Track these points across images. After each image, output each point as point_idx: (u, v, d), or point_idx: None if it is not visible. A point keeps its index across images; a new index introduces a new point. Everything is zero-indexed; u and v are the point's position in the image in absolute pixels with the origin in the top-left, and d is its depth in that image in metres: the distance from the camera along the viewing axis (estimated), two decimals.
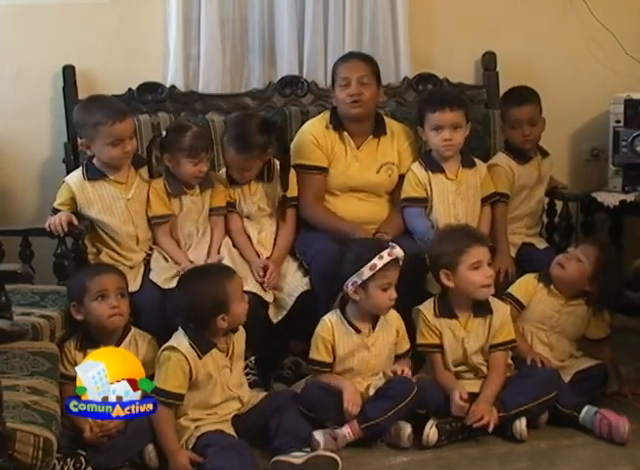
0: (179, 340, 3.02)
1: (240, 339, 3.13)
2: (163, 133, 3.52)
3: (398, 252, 3.18)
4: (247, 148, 3.50)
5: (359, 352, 3.22)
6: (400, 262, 3.20)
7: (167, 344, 3.04)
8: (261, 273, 3.46)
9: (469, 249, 3.23)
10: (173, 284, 3.25)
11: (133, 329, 3.16)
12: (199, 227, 3.52)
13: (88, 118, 3.40)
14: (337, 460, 2.94)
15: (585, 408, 3.20)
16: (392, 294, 3.18)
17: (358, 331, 3.22)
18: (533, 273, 3.48)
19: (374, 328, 3.24)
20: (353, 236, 3.45)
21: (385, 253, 3.16)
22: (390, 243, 3.24)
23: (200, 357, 2.99)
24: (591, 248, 3.41)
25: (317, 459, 2.93)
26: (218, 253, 3.49)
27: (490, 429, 3.09)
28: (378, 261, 3.15)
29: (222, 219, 3.57)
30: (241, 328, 3.13)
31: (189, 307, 3.05)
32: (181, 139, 3.45)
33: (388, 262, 3.16)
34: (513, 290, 3.45)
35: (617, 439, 3.10)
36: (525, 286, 3.45)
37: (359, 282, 3.16)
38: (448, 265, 3.25)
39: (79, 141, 3.48)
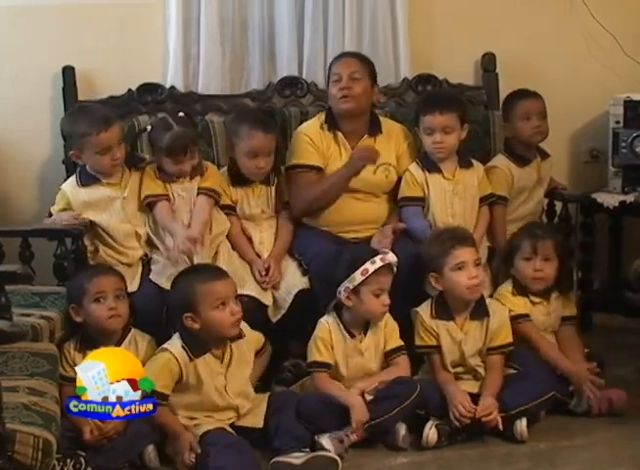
0: (173, 342, 3.04)
1: (243, 347, 3.10)
2: (148, 128, 3.54)
3: (391, 257, 3.18)
4: (270, 126, 3.60)
5: (353, 357, 3.22)
6: (394, 269, 3.20)
7: (162, 345, 3.05)
8: (264, 273, 3.46)
9: (452, 250, 3.24)
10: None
11: (133, 330, 3.15)
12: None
13: (74, 130, 3.42)
14: (337, 460, 2.93)
15: (576, 394, 3.27)
16: (385, 300, 3.17)
17: (353, 336, 3.22)
18: (505, 289, 3.45)
19: (365, 333, 3.23)
20: (358, 166, 3.57)
21: (377, 258, 3.16)
22: (384, 249, 3.23)
23: (191, 360, 2.99)
24: (548, 242, 3.42)
25: (317, 459, 2.92)
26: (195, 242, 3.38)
27: (501, 426, 3.09)
28: (370, 266, 3.15)
29: (207, 200, 3.49)
30: (250, 337, 3.12)
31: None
32: (161, 138, 3.46)
33: (381, 268, 3.15)
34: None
35: (619, 408, 3.24)
36: (514, 303, 3.42)
37: (351, 287, 3.16)
38: (435, 268, 3.27)
39: (70, 152, 3.47)
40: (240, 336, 3.10)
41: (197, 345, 3.02)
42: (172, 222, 3.42)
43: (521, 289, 3.44)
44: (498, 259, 3.58)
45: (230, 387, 3.05)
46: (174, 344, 3.02)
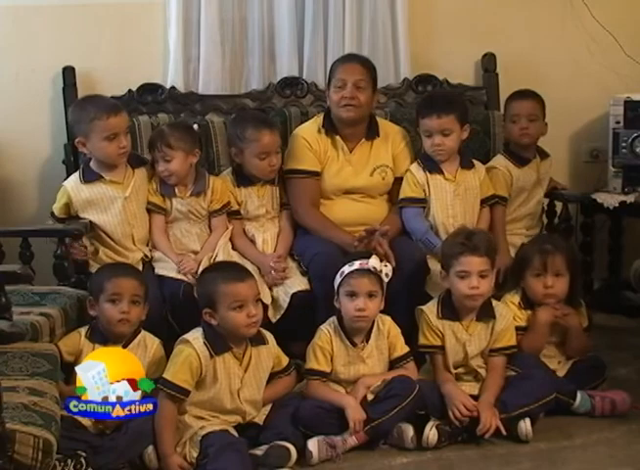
0: (195, 335, 3.01)
1: (264, 355, 3.08)
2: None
3: (373, 262, 3.16)
4: (273, 123, 3.67)
5: (355, 364, 3.20)
6: (386, 277, 3.17)
7: (183, 336, 3.03)
8: (275, 260, 3.48)
9: (460, 256, 3.21)
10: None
11: (143, 332, 3.13)
12: (188, 231, 3.55)
13: (83, 115, 3.42)
14: (289, 449, 2.94)
15: (579, 395, 3.26)
16: (358, 304, 3.13)
17: (354, 344, 3.20)
18: (511, 299, 3.42)
19: (368, 340, 3.22)
20: (348, 249, 3.42)
21: (357, 261, 3.16)
22: (374, 255, 3.21)
23: (211, 356, 2.98)
24: (558, 258, 3.37)
25: (274, 449, 2.94)
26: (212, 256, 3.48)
27: (504, 431, 3.09)
28: (347, 268, 3.16)
29: (223, 218, 3.59)
30: (273, 349, 3.12)
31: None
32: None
33: (358, 271, 3.14)
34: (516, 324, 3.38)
35: (622, 411, 3.25)
36: (517, 315, 3.38)
37: (335, 289, 3.18)
38: (444, 267, 3.28)
39: (76, 140, 3.47)
40: (261, 338, 3.08)
41: (218, 341, 2.99)
42: (162, 242, 3.51)
43: (528, 303, 3.40)
44: (505, 268, 3.54)
45: (243, 392, 3.03)
46: (196, 338, 2.99)
